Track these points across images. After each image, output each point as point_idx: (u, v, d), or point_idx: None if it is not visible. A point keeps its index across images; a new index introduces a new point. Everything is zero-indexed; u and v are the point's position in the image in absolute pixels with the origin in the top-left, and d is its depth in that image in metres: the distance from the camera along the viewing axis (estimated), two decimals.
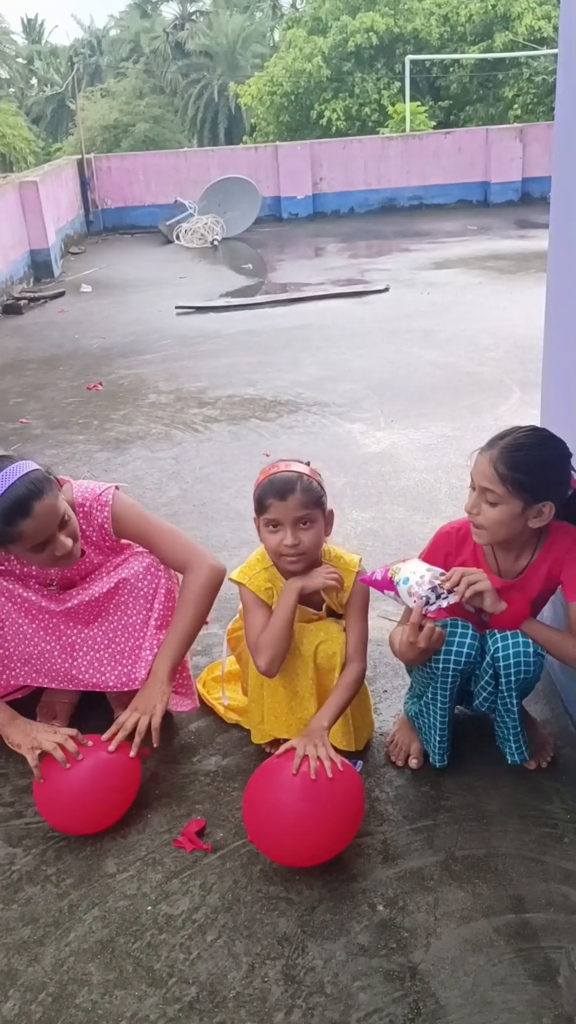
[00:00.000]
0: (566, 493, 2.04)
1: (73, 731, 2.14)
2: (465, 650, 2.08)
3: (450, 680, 2.11)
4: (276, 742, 2.34)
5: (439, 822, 2.12)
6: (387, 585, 2.03)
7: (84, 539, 2.33)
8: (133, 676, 2.36)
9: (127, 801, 2.15)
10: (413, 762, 2.30)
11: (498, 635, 2.08)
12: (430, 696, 2.17)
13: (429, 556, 2.26)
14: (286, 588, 2.16)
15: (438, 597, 1.98)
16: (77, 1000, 1.73)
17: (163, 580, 2.34)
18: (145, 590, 2.33)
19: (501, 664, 2.06)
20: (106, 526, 2.32)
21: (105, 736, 2.12)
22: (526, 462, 1.98)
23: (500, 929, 1.84)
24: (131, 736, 2.15)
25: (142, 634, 2.34)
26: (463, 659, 2.08)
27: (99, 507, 2.31)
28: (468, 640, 2.08)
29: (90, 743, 2.12)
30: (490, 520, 2.02)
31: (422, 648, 2.03)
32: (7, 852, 2.09)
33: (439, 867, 2.00)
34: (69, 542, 2.16)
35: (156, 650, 2.30)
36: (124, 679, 2.38)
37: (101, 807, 2.10)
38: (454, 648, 2.08)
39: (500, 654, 2.06)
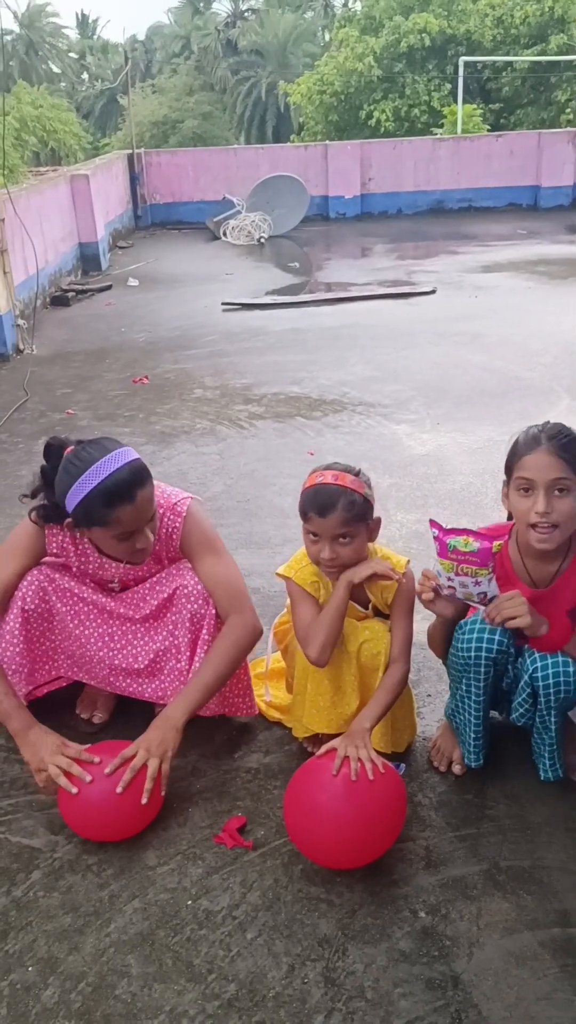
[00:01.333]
0: None
1: (80, 751, 2.07)
2: (497, 637, 2.04)
3: (483, 671, 2.08)
4: (316, 739, 2.33)
5: (483, 831, 2.09)
6: (442, 543, 1.95)
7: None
8: (170, 694, 2.35)
9: (149, 814, 2.10)
10: (456, 768, 2.27)
11: (536, 653, 2.04)
12: (464, 690, 2.14)
13: None
14: (339, 580, 2.15)
15: (465, 598, 1.97)
16: (116, 991, 1.73)
17: (212, 605, 2.29)
18: (196, 607, 2.28)
19: (540, 684, 2.03)
20: (175, 536, 2.29)
21: (109, 770, 2.01)
22: (572, 442, 1.98)
23: (545, 943, 1.81)
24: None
25: (188, 661, 2.30)
26: (495, 647, 2.04)
27: (172, 516, 2.28)
28: (499, 628, 2.03)
29: (97, 759, 2.04)
30: (564, 514, 1.98)
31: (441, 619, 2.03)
32: (49, 840, 2.10)
33: (483, 876, 1.97)
34: (151, 536, 2.17)
35: None
36: (160, 693, 2.37)
37: (121, 818, 2.04)
38: (485, 636, 2.04)
39: (539, 673, 2.03)
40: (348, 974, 1.75)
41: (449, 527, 1.94)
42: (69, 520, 2.15)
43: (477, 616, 2.07)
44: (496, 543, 1.92)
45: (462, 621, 2.10)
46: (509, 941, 1.82)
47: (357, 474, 2.15)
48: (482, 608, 2.01)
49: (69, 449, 2.15)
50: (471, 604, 2.03)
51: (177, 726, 2.11)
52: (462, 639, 2.08)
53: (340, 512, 2.06)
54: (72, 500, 2.08)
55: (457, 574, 1.95)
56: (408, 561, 2.26)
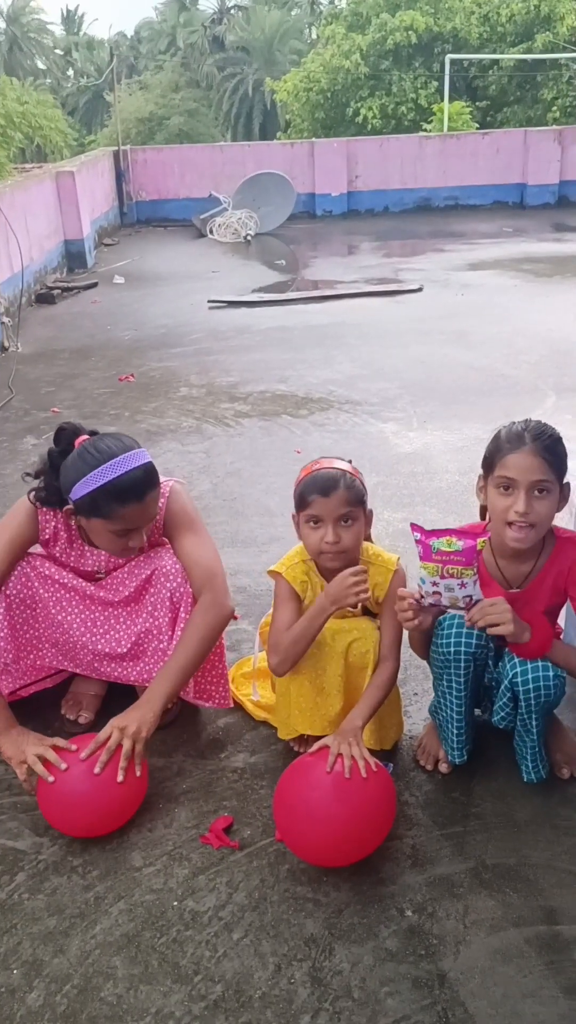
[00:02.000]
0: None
1: (59, 741, 2.09)
2: (475, 632, 2.04)
3: (463, 667, 2.08)
4: (302, 739, 2.33)
5: (469, 829, 2.09)
6: (425, 546, 1.93)
7: None
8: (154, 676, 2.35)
9: (130, 805, 2.09)
10: (443, 767, 2.27)
11: (516, 659, 2.05)
12: (445, 686, 2.14)
13: None
14: (318, 605, 2.13)
15: (450, 603, 1.97)
16: (102, 993, 1.72)
17: (190, 585, 2.30)
18: (174, 587, 2.30)
19: (520, 688, 2.03)
20: (158, 517, 2.31)
21: (84, 754, 2.02)
22: (557, 442, 2.00)
23: (531, 940, 1.81)
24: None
25: (170, 641, 2.31)
26: (474, 641, 2.05)
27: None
28: None
29: (74, 747, 2.05)
30: (542, 515, 1.99)
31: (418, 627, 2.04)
32: (33, 841, 2.08)
33: (469, 874, 1.97)
34: (145, 539, 2.21)
35: None
36: (146, 675, 2.37)
37: (101, 810, 2.04)
38: (464, 631, 2.05)
39: (519, 678, 2.03)
40: (335, 974, 1.75)
41: (430, 528, 1.94)
42: (69, 507, 2.16)
43: (454, 616, 2.06)
44: (480, 540, 1.91)
45: (441, 618, 2.10)
46: (495, 939, 1.82)
47: (350, 462, 2.19)
48: (462, 612, 2.00)
49: (83, 438, 2.17)
50: (456, 610, 2.01)
51: (154, 708, 2.12)
52: (441, 635, 2.09)
53: (343, 491, 2.08)
54: (81, 488, 2.10)
55: (443, 577, 1.93)
56: (399, 558, 2.26)
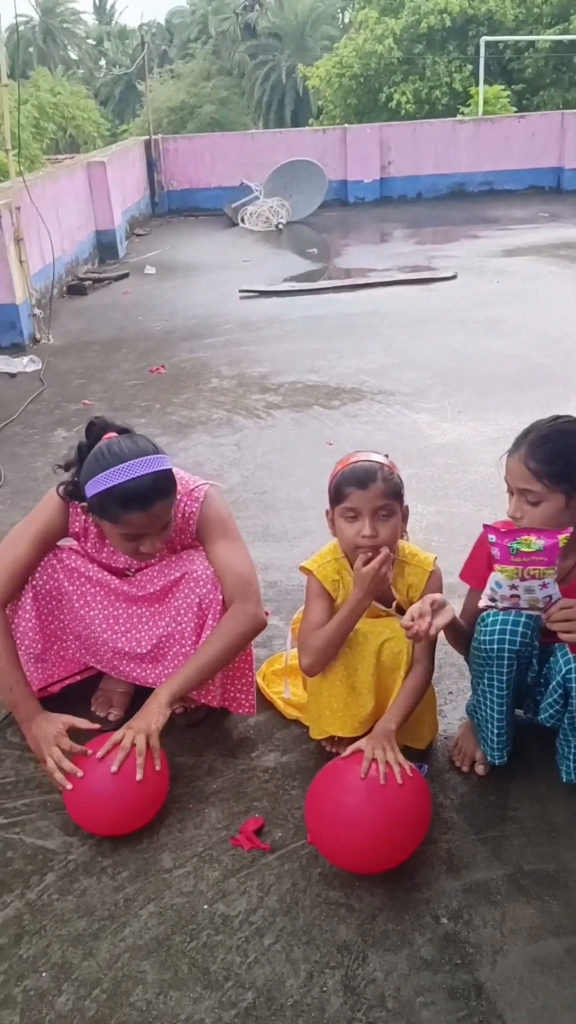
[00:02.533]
0: None
1: (72, 745, 2.05)
2: (520, 629, 1.97)
3: (505, 664, 2.01)
4: (334, 739, 2.28)
5: (506, 833, 2.04)
6: (503, 549, 1.85)
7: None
8: None
9: (152, 801, 2.07)
10: (480, 768, 2.22)
11: (570, 654, 1.97)
12: (486, 683, 2.07)
13: (474, 555, 2.20)
14: (350, 601, 2.08)
15: (530, 605, 1.90)
16: (131, 998, 1.69)
17: (221, 591, 2.25)
18: (204, 593, 2.25)
19: (574, 684, 1.96)
20: (191, 522, 2.27)
21: (100, 753, 2.00)
22: (557, 451, 1.92)
23: (571, 950, 1.76)
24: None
25: (193, 647, 2.27)
26: (518, 639, 1.98)
27: (189, 501, 2.27)
28: (523, 619, 1.97)
29: (90, 752, 2.02)
30: (536, 521, 1.93)
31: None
32: (63, 841, 2.06)
33: (506, 881, 1.92)
34: (158, 545, 2.16)
35: None
36: (164, 679, 2.33)
37: (124, 806, 2.01)
38: (508, 628, 1.97)
39: (573, 674, 1.96)
40: (368, 982, 1.71)
41: (504, 529, 1.86)
42: (84, 504, 2.14)
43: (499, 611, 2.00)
44: (562, 536, 1.82)
45: (483, 614, 2.04)
46: (534, 948, 1.77)
47: (386, 456, 2.14)
48: (539, 613, 1.92)
49: (110, 435, 2.13)
50: (534, 611, 1.93)
51: (161, 701, 2.09)
52: (484, 631, 2.01)
53: (380, 483, 2.03)
54: (91, 489, 2.07)
55: (523, 579, 1.84)
56: (436, 558, 2.20)
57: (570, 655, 1.97)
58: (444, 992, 1.69)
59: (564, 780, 2.12)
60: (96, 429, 2.17)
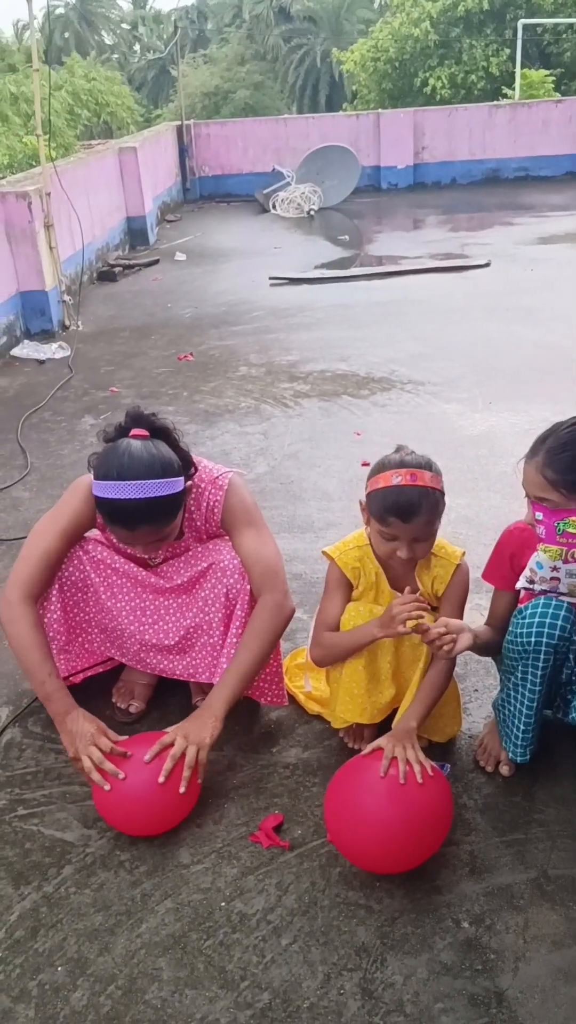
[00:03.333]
0: None
1: (112, 745, 2.02)
2: (560, 623, 1.91)
3: (542, 658, 1.94)
4: (354, 732, 2.26)
5: (531, 836, 2.00)
6: (549, 527, 1.82)
7: (188, 523, 2.27)
8: (202, 671, 2.32)
9: (185, 807, 2.04)
10: (504, 769, 2.17)
11: None
12: (519, 677, 2.01)
13: (497, 556, 2.16)
14: (365, 630, 2.06)
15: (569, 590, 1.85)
16: (147, 996, 1.68)
17: (248, 581, 2.23)
18: (231, 583, 2.23)
19: None
20: (216, 511, 2.25)
21: (148, 757, 1.97)
22: (575, 460, 1.84)
23: None
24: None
25: (221, 638, 2.26)
26: (557, 632, 1.91)
27: (213, 490, 2.24)
28: (563, 613, 1.91)
29: (129, 753, 1.99)
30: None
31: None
32: (82, 833, 2.05)
33: (530, 885, 1.88)
34: (156, 550, 2.17)
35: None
36: (192, 670, 2.33)
37: (157, 811, 1.99)
38: (548, 621, 1.91)
39: None
40: (387, 986, 1.68)
41: (553, 508, 1.81)
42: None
43: (538, 599, 1.94)
44: None
45: (522, 606, 1.98)
46: (558, 956, 1.73)
47: (430, 467, 2.03)
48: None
49: (138, 432, 2.08)
50: (571, 600, 1.87)
51: (217, 715, 2.06)
52: (522, 623, 1.95)
53: (424, 515, 1.97)
54: (94, 488, 2.08)
55: (566, 561, 1.81)
56: (463, 553, 2.16)
57: None
58: (464, 999, 1.65)
59: None
60: (129, 420, 2.12)
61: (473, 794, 2.13)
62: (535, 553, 1.84)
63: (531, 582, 1.88)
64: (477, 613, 2.72)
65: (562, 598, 1.88)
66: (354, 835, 1.85)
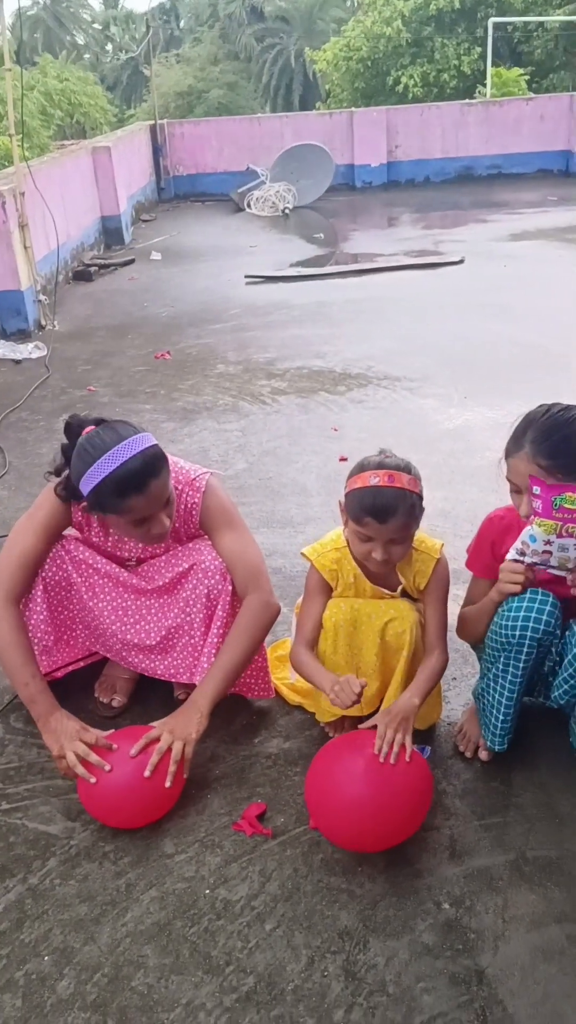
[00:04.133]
0: None
1: (99, 738, 2.03)
2: (544, 617, 1.94)
3: (525, 651, 1.98)
4: (339, 723, 2.28)
5: (509, 820, 2.03)
6: (546, 502, 1.82)
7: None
8: (182, 671, 2.33)
9: (169, 800, 2.06)
10: (483, 754, 2.21)
11: None
12: (500, 667, 2.04)
13: (479, 543, 2.18)
14: (318, 683, 2.08)
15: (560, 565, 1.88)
16: (132, 983, 1.70)
17: (230, 582, 2.24)
18: (213, 584, 2.24)
19: None
20: (194, 512, 2.25)
21: (134, 751, 1.99)
22: (563, 443, 1.88)
23: (573, 937, 1.75)
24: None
25: (202, 638, 2.27)
26: (541, 626, 1.94)
27: (191, 491, 2.24)
28: (548, 608, 1.94)
29: (115, 746, 2.01)
30: None
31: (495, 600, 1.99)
32: (65, 826, 2.07)
33: (509, 867, 1.91)
34: (167, 522, 2.12)
35: (213, 659, 2.21)
36: (173, 670, 2.35)
37: (142, 804, 2.01)
38: (532, 615, 1.94)
39: None
40: (369, 968, 1.71)
41: (551, 483, 1.83)
42: (84, 504, 2.11)
43: (524, 594, 1.96)
44: None
45: (507, 599, 2.00)
46: (536, 935, 1.76)
47: (409, 470, 2.04)
48: (565, 574, 1.91)
49: (88, 430, 2.09)
50: (561, 571, 1.91)
51: (203, 711, 2.08)
52: (507, 616, 1.98)
53: (401, 517, 1.98)
54: (85, 487, 2.04)
55: (560, 535, 1.83)
56: (442, 545, 2.18)
57: None
58: (445, 978, 1.68)
59: None
60: (73, 428, 2.12)
61: (452, 780, 2.16)
62: (528, 526, 1.87)
63: (521, 554, 1.91)
64: (455, 604, 2.76)
65: (551, 570, 1.91)
66: (335, 813, 1.87)
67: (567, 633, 2.02)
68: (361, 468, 2.05)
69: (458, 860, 1.93)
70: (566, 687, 2.01)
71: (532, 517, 1.85)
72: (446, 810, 2.06)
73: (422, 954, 1.73)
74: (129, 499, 2.01)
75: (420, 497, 2.05)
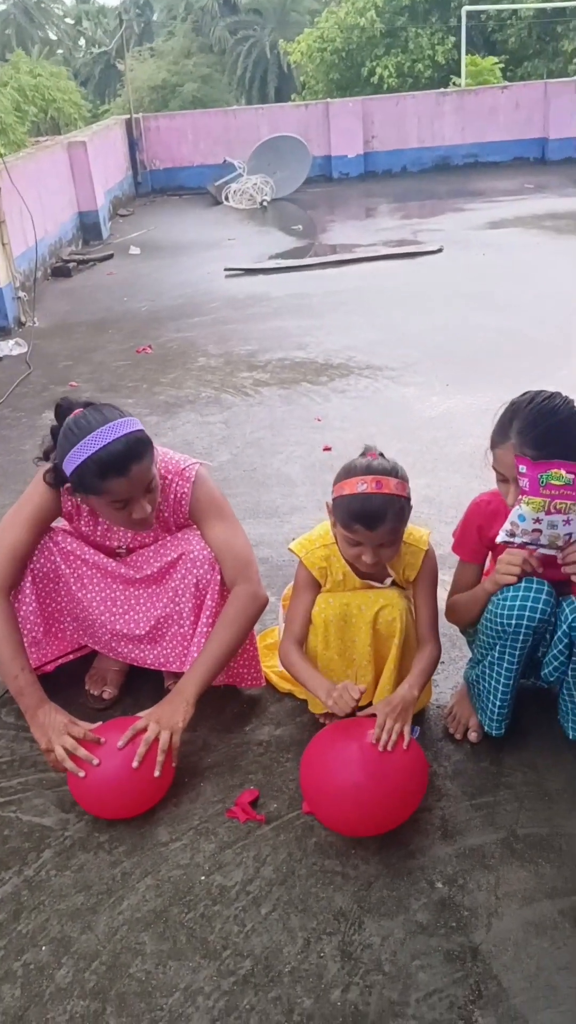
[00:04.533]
0: None
1: (86, 731, 2.04)
2: (540, 606, 1.96)
3: (520, 639, 2.00)
4: (329, 714, 2.29)
5: (500, 799, 2.06)
6: (532, 480, 1.83)
7: (156, 512, 2.28)
8: (172, 660, 2.34)
9: (160, 790, 2.07)
10: (472, 736, 2.23)
11: None
12: (496, 656, 2.06)
13: (464, 528, 2.19)
14: (312, 689, 2.08)
15: (549, 543, 1.89)
16: (131, 970, 1.71)
17: (218, 571, 2.25)
18: (202, 574, 2.25)
19: None
20: (184, 502, 2.26)
21: (121, 743, 1.99)
22: (549, 431, 1.88)
23: (565, 911, 1.78)
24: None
25: (192, 627, 2.28)
26: (537, 615, 1.96)
27: (181, 481, 2.25)
28: (544, 596, 1.96)
29: (103, 740, 2.01)
30: None
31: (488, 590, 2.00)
32: (60, 817, 2.07)
33: (500, 845, 1.93)
34: (148, 508, 2.12)
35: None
36: (163, 660, 2.36)
37: (132, 794, 2.02)
38: (528, 604, 1.96)
39: None
40: (365, 947, 1.73)
41: (536, 460, 1.83)
42: (68, 485, 2.12)
43: (520, 582, 1.97)
44: None
45: (503, 588, 2.01)
46: (528, 910, 1.79)
47: (396, 473, 2.03)
48: (555, 552, 1.92)
49: (76, 412, 2.10)
50: (551, 549, 1.92)
51: (188, 699, 2.08)
52: (502, 605, 1.99)
53: (390, 523, 1.98)
54: (68, 467, 2.06)
55: (548, 512, 1.84)
56: (429, 534, 2.20)
57: (575, 603, 1.97)
58: (440, 955, 1.71)
59: (571, 737, 2.14)
60: (63, 410, 2.14)
61: (443, 761, 2.18)
62: (517, 506, 1.88)
63: (512, 535, 1.92)
64: (442, 589, 2.78)
65: (542, 549, 1.92)
66: (332, 800, 1.89)
67: (556, 610, 2.04)
68: (348, 473, 2.04)
69: (450, 840, 1.96)
70: (555, 664, 2.04)
71: (520, 496, 1.87)
72: (437, 791, 2.09)
73: (417, 932, 1.75)
74: (110, 480, 2.02)
75: (408, 499, 2.04)
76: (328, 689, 2.01)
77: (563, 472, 1.81)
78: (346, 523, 2.00)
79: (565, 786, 2.08)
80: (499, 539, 1.96)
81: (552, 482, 1.82)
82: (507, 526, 1.92)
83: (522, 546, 1.93)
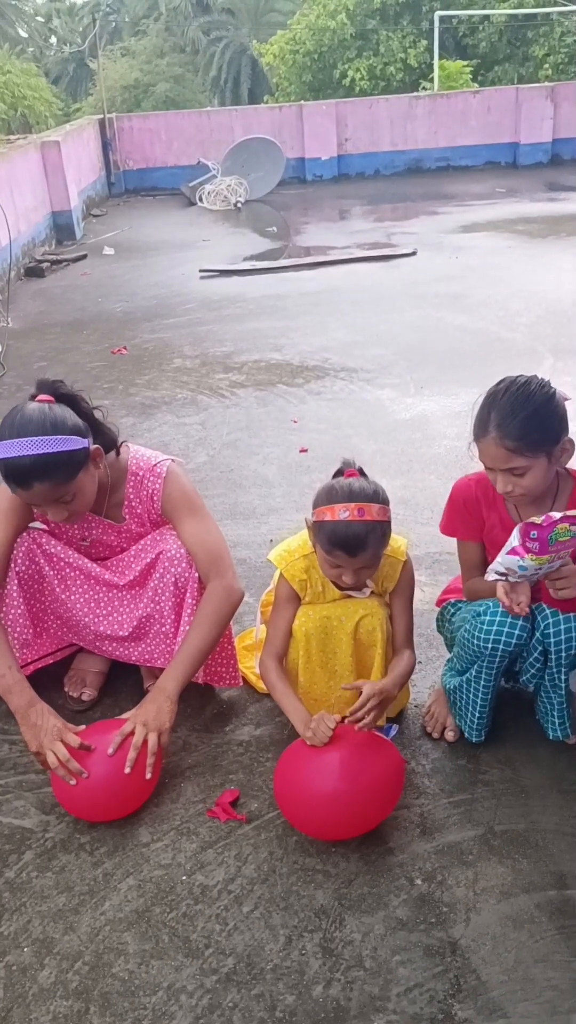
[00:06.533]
0: (566, 417, 1.95)
1: (78, 741, 2.01)
2: (517, 631, 2.01)
3: (497, 661, 2.06)
4: None
5: (477, 796, 2.09)
6: (543, 543, 1.84)
7: (128, 509, 2.29)
8: (156, 657, 2.36)
9: (146, 792, 2.08)
10: (449, 735, 2.26)
11: (548, 611, 2.01)
12: (474, 674, 2.11)
13: (450, 510, 2.20)
14: (294, 720, 2.04)
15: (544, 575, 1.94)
16: (114, 969, 1.71)
17: (195, 568, 2.26)
18: (179, 572, 2.26)
19: (552, 641, 2.01)
20: (156, 499, 2.26)
21: (111, 750, 1.99)
22: (527, 421, 1.90)
23: (542, 905, 1.81)
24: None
25: (174, 625, 2.29)
26: (514, 640, 2.01)
27: (152, 478, 2.25)
28: (521, 622, 2.01)
29: (93, 747, 2.00)
30: (527, 487, 1.95)
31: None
32: (40, 819, 2.07)
33: (478, 841, 1.96)
34: (63, 515, 2.10)
35: None
36: (147, 656, 2.37)
37: (120, 798, 2.03)
38: (505, 629, 2.01)
39: (551, 630, 2.00)
40: (346, 944, 1.75)
41: (542, 522, 1.83)
42: None
43: (497, 607, 2.01)
44: None
45: (481, 611, 2.05)
46: (506, 905, 1.82)
47: (378, 497, 2.01)
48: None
49: (41, 398, 2.06)
50: (531, 580, 1.96)
51: (171, 697, 2.09)
52: (481, 629, 2.03)
53: (371, 548, 1.98)
54: None
55: (551, 561, 1.87)
56: (407, 545, 2.21)
57: (547, 611, 2.01)
58: (420, 950, 1.73)
59: (551, 737, 2.18)
60: (36, 389, 2.10)
61: (421, 760, 2.21)
62: (517, 557, 1.87)
63: (505, 577, 1.94)
64: (419, 591, 2.81)
65: (531, 580, 1.96)
66: (308, 810, 1.90)
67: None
68: (330, 497, 2.01)
69: (429, 837, 1.98)
70: (532, 671, 2.09)
71: (524, 554, 1.87)
72: (416, 789, 2.11)
73: (397, 928, 1.78)
74: (13, 487, 2.03)
75: (389, 523, 2.04)
76: (305, 721, 1.99)
77: (568, 526, 1.83)
78: (327, 548, 2.01)
79: (541, 782, 2.11)
80: (488, 579, 1.98)
81: (560, 539, 1.84)
82: (500, 567, 1.92)
83: (515, 584, 1.96)
